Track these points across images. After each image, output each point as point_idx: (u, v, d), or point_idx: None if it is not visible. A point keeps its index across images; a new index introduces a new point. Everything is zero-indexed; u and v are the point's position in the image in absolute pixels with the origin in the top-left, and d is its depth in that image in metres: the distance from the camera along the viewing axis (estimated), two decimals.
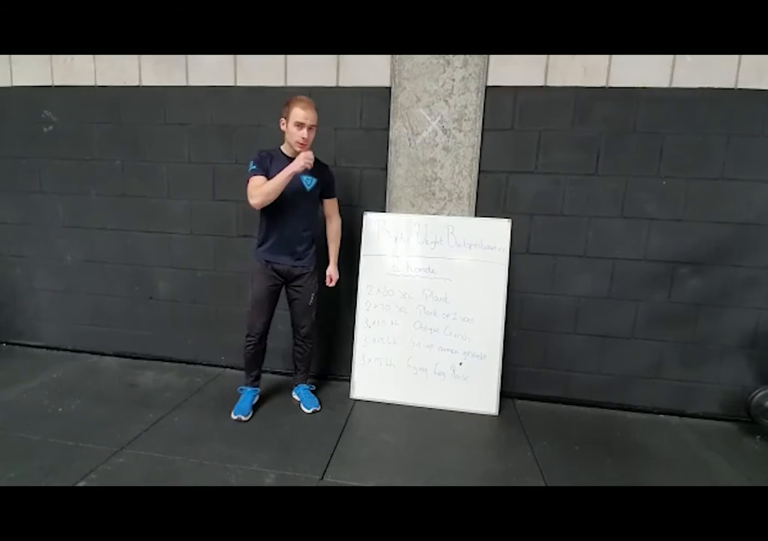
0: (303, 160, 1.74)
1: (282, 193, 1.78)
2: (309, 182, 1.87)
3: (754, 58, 1.92)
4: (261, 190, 1.75)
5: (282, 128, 1.82)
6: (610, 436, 1.97)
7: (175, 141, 2.38)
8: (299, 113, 1.75)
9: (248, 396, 2.02)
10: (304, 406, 2.06)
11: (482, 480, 1.62)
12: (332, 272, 2.07)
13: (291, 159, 1.80)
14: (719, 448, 1.91)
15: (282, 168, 1.76)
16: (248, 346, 1.98)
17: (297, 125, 1.76)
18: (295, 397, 2.15)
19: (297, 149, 1.80)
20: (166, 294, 2.54)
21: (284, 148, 1.86)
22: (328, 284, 2.07)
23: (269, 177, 1.78)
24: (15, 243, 2.64)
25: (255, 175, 1.78)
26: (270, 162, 1.81)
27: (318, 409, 2.06)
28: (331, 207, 2.02)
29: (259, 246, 1.93)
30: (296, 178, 1.81)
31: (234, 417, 1.93)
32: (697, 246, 2.08)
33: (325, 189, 1.96)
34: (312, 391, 2.16)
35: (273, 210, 1.83)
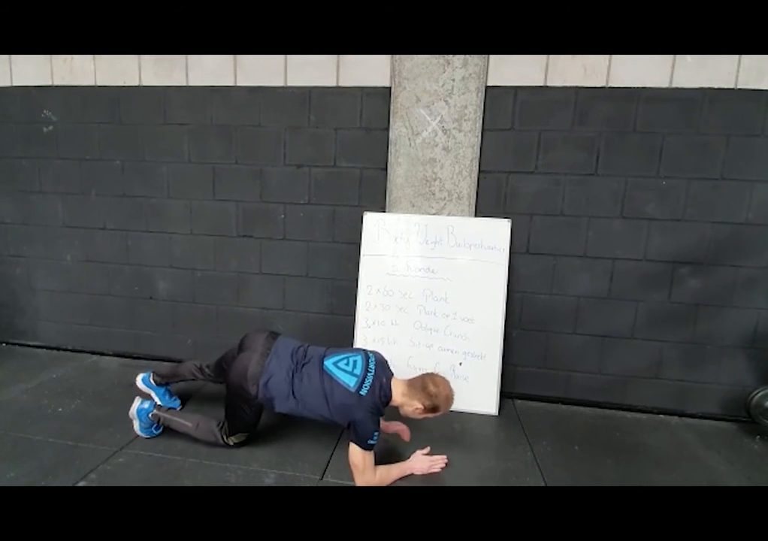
0: (431, 467, 1.59)
1: None
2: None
3: (754, 58, 1.92)
4: (377, 479, 1.49)
5: (417, 411, 1.54)
6: (610, 436, 1.97)
7: (175, 141, 2.38)
8: (446, 407, 1.57)
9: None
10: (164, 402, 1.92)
11: (482, 480, 1.62)
12: None
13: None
14: (719, 448, 1.91)
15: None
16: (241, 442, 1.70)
17: (440, 414, 1.59)
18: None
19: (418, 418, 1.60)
20: (166, 294, 2.54)
21: (395, 399, 1.55)
22: None
23: None
24: (15, 243, 2.64)
25: (371, 451, 1.47)
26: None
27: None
28: None
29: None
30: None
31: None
32: (697, 246, 2.08)
33: None
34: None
35: None
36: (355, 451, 1.47)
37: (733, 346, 2.12)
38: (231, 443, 1.69)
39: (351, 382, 1.50)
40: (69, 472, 1.53)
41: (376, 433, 1.46)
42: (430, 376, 1.56)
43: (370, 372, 1.53)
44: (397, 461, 1.64)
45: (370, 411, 1.46)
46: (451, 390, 1.56)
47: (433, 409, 1.53)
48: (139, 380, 1.98)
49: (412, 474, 1.61)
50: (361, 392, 1.48)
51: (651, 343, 2.17)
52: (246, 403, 1.59)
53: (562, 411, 2.21)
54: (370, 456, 1.48)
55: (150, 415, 1.75)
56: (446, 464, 1.66)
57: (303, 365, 1.59)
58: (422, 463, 1.62)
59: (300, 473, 1.59)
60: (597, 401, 2.25)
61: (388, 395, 1.53)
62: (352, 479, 1.53)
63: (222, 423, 1.69)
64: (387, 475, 1.54)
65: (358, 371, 1.53)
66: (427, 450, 1.68)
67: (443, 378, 1.58)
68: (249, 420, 1.65)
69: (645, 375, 2.20)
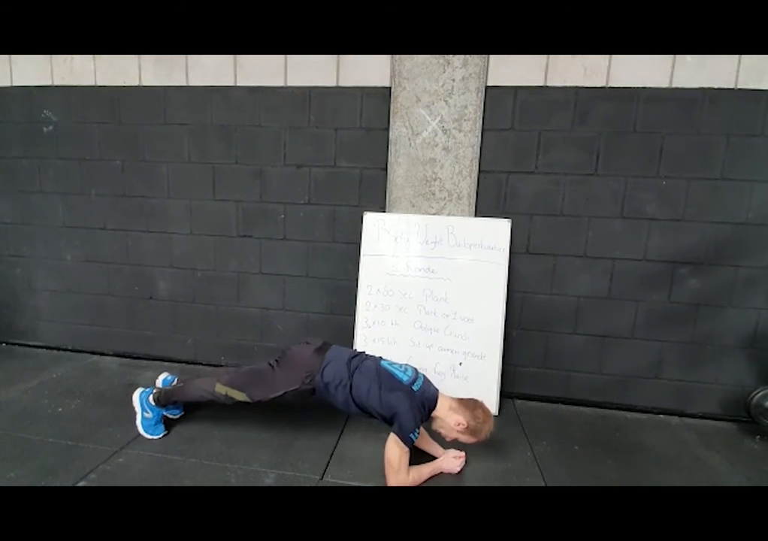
0: (459, 465, 1.65)
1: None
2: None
3: (754, 58, 1.92)
4: (410, 480, 1.51)
5: (459, 426, 1.56)
6: (610, 436, 1.97)
7: (175, 141, 2.38)
8: (484, 436, 1.59)
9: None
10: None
11: (482, 480, 1.62)
12: None
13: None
14: (719, 448, 1.91)
15: None
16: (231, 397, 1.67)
17: (474, 440, 1.60)
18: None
19: (450, 438, 1.61)
20: (166, 294, 2.54)
21: (439, 410, 1.59)
22: None
23: None
24: (15, 243, 2.64)
25: (408, 450, 1.49)
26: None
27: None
28: None
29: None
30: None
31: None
32: (697, 246, 2.08)
33: None
34: None
35: None
36: (392, 448, 1.49)
37: (733, 346, 2.12)
38: (223, 392, 1.66)
39: (404, 377, 1.60)
40: (69, 472, 1.53)
41: (417, 430, 1.51)
42: (481, 405, 1.63)
43: (420, 378, 1.63)
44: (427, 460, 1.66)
45: (416, 406, 1.52)
46: (493, 424, 1.62)
47: (474, 432, 1.57)
48: (159, 380, 1.98)
49: (441, 473, 1.64)
50: (413, 387, 1.57)
51: (651, 343, 2.17)
52: (293, 382, 1.61)
53: (562, 411, 2.21)
54: (406, 456, 1.50)
55: (151, 395, 1.76)
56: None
57: (360, 361, 1.68)
58: (452, 464, 1.65)
59: (300, 473, 1.59)
60: (597, 401, 2.25)
61: (432, 401, 1.59)
62: (385, 478, 1.52)
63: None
64: (419, 475, 1.57)
65: (410, 373, 1.64)
66: (457, 453, 1.69)
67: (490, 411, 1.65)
68: (269, 389, 1.63)
69: (645, 375, 2.20)
